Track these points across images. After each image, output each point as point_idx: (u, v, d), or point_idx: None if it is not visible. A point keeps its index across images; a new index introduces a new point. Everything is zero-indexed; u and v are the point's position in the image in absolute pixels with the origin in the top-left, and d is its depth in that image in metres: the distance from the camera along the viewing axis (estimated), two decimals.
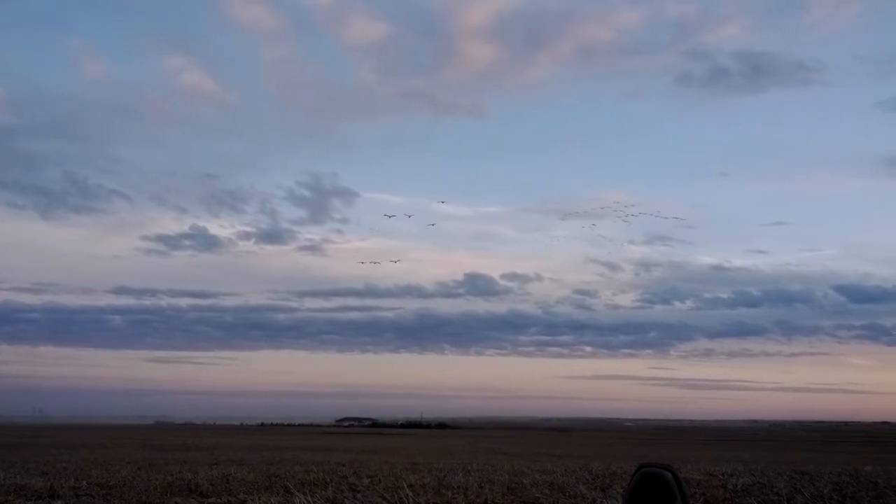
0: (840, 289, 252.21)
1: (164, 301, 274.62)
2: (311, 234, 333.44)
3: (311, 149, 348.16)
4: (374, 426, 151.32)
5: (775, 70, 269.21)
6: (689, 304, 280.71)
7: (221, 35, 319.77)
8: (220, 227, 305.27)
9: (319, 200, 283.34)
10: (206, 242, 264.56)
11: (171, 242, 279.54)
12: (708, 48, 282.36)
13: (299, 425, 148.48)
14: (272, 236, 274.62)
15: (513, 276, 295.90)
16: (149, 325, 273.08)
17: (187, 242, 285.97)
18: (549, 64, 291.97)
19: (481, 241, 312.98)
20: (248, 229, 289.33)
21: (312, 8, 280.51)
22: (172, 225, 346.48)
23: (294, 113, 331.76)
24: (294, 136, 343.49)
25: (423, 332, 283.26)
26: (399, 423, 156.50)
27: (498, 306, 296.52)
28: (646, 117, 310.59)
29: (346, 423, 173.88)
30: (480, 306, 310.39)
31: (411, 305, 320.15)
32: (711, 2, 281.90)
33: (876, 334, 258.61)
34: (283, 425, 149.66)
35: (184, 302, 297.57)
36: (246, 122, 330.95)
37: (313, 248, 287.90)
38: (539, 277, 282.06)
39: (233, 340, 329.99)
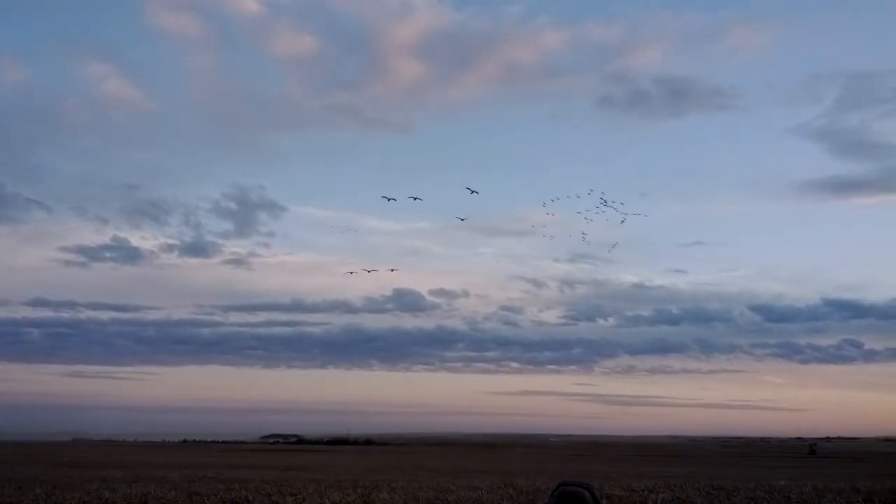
0: (755, 308, 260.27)
1: (84, 314, 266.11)
2: (236, 247, 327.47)
3: (237, 161, 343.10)
4: (300, 443, 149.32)
5: (693, 95, 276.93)
6: (611, 321, 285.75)
7: (145, 43, 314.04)
8: (142, 239, 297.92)
9: (245, 213, 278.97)
10: (128, 254, 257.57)
11: (92, 254, 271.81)
12: (629, 72, 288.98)
13: (223, 442, 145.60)
14: (196, 249, 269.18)
15: (440, 293, 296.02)
16: (67, 338, 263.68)
17: (108, 254, 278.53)
18: (476, 83, 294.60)
19: (410, 256, 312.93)
20: (171, 241, 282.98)
21: (239, 18, 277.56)
22: (93, 236, 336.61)
23: (219, 124, 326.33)
24: (219, 148, 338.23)
25: (351, 347, 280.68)
26: (325, 439, 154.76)
27: (426, 322, 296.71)
28: (569, 138, 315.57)
29: (271, 440, 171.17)
30: (408, 322, 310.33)
31: (339, 321, 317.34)
32: (632, 26, 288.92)
33: (789, 353, 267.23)
34: (206, 442, 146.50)
35: (104, 315, 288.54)
36: (170, 132, 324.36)
37: (239, 262, 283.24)
38: (466, 294, 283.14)
39: (155, 355, 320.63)
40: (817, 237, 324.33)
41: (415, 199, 43.23)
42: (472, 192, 41.83)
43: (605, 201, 39.91)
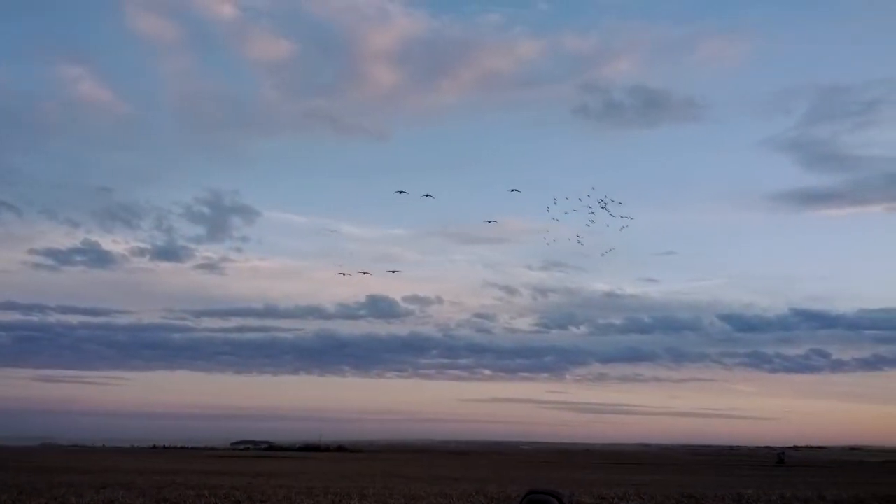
0: (725, 317, 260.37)
1: (54, 318, 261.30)
2: (209, 251, 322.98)
3: (211, 165, 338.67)
4: (271, 449, 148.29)
5: (667, 106, 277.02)
6: (583, 329, 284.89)
7: (120, 45, 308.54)
8: (113, 243, 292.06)
9: (218, 218, 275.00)
10: (99, 258, 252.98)
11: (62, 257, 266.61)
12: (603, 82, 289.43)
13: (193, 448, 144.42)
14: (168, 253, 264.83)
15: (414, 299, 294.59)
16: (36, 342, 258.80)
17: (79, 258, 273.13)
18: (452, 91, 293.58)
19: (384, 263, 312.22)
20: (142, 245, 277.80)
21: (214, 22, 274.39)
22: (63, 239, 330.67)
23: (194, 127, 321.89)
24: (193, 151, 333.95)
25: (324, 353, 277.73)
26: (296, 446, 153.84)
27: (399, 329, 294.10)
28: (544, 147, 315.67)
29: (242, 447, 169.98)
30: (382, 328, 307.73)
31: (312, 326, 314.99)
32: (607, 37, 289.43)
33: (758, 362, 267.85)
34: (176, 448, 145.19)
35: (74, 319, 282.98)
36: (143, 135, 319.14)
37: (211, 267, 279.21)
38: (440, 300, 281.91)
39: (125, 360, 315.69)
40: (787, 248, 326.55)
41: (427, 195, 43.12)
42: (514, 190, 42.65)
43: (605, 205, 40.06)
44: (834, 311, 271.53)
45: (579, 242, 44.26)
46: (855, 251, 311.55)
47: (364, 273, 50.04)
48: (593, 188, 43.04)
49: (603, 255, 53.73)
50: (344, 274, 50.76)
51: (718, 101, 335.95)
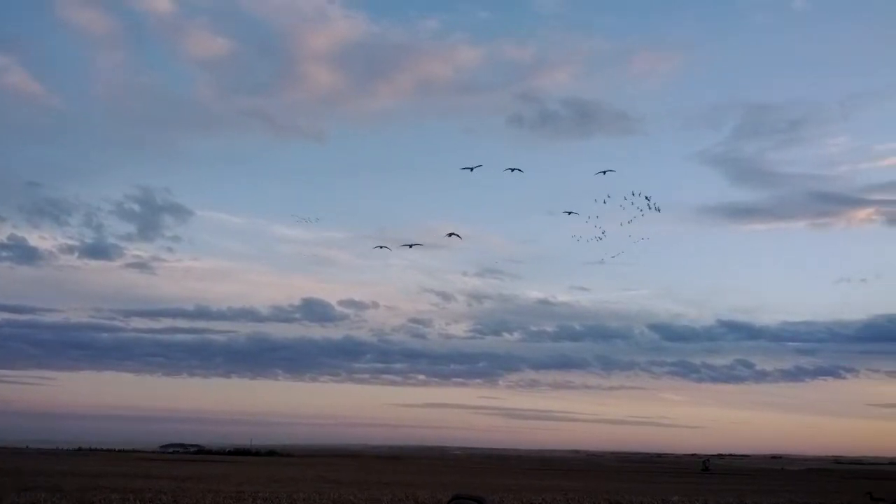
0: (654, 327, 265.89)
1: None
2: (139, 250, 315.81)
3: (143, 162, 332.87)
4: (201, 453, 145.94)
5: (600, 118, 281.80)
6: (516, 335, 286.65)
7: (50, 37, 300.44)
8: (40, 239, 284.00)
9: (150, 216, 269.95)
10: (25, 254, 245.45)
11: None
12: (539, 92, 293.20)
13: (120, 451, 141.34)
14: (97, 251, 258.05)
15: (350, 303, 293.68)
16: None
17: (4, 253, 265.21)
18: (390, 95, 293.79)
19: (319, 265, 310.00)
20: (71, 242, 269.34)
21: (150, 16, 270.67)
22: None
23: (126, 123, 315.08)
24: (125, 148, 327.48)
25: (256, 356, 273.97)
26: (227, 450, 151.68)
27: (334, 332, 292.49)
28: (480, 154, 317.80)
29: (171, 450, 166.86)
30: (316, 332, 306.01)
31: (244, 329, 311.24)
32: (544, 48, 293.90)
33: (686, 371, 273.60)
34: (103, 450, 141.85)
35: None
36: (73, 130, 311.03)
37: (141, 266, 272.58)
38: (375, 305, 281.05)
39: (51, 359, 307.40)
40: (714, 260, 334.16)
41: (513, 170, 39.05)
42: (605, 172, 39.68)
43: (651, 204, 40.73)
44: (758, 322, 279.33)
45: (600, 238, 45.43)
46: (778, 265, 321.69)
47: (410, 246, 46.99)
48: (638, 193, 43.61)
49: (613, 257, 55.50)
50: (382, 247, 48.84)
51: (650, 114, 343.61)
